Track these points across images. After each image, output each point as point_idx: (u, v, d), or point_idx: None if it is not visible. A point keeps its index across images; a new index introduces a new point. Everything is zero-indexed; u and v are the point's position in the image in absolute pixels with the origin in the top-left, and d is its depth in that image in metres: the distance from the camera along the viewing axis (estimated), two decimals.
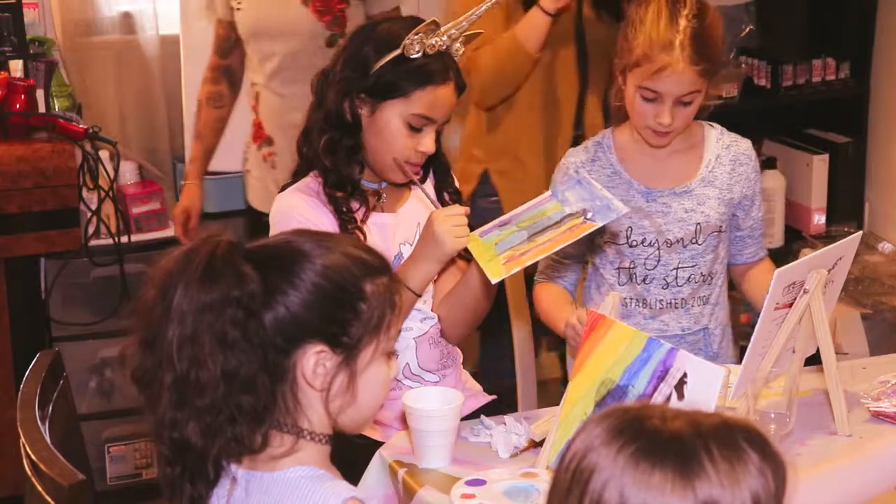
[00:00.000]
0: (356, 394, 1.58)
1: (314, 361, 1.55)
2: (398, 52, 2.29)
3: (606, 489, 1.18)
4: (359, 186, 2.38)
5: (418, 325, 2.45)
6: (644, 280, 2.50)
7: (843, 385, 2.19)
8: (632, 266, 2.51)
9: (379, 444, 2.21)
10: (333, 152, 2.35)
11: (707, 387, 1.80)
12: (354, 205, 2.37)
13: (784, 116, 4.23)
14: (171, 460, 1.56)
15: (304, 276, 1.55)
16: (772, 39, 4.08)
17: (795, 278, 2.11)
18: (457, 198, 2.48)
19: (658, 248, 2.49)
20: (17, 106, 3.46)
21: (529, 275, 2.63)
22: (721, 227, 2.51)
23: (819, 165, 4.09)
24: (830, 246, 2.21)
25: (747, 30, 4.06)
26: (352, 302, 1.56)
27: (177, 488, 1.57)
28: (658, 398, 1.84)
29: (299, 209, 2.34)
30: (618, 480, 1.18)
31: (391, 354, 1.63)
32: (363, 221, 2.37)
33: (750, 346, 2.10)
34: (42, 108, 3.57)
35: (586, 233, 2.20)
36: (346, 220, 2.34)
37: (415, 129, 2.32)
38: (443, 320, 2.47)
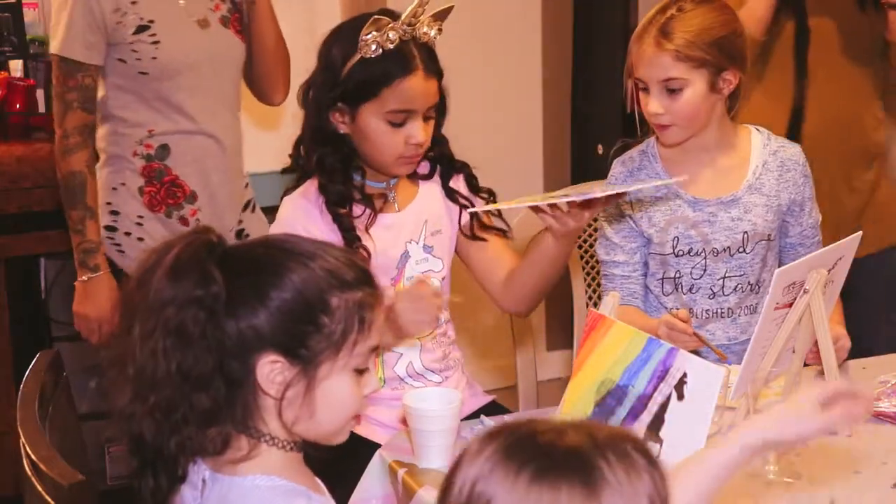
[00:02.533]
0: (313, 407, 1.55)
1: (268, 370, 1.53)
2: (359, 54, 2.29)
3: None
4: (360, 195, 2.38)
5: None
6: (690, 289, 2.50)
7: None
8: (677, 276, 2.50)
9: (378, 445, 2.21)
10: (325, 169, 2.35)
11: (707, 387, 1.80)
12: (358, 210, 2.37)
13: None
14: (132, 453, 1.57)
15: (272, 292, 1.53)
16: None
17: (795, 278, 2.11)
18: (469, 176, 2.50)
19: (705, 258, 2.48)
20: (17, 106, 3.47)
21: None
22: (770, 235, 2.50)
23: None
24: (830, 246, 2.20)
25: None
26: (313, 315, 1.54)
27: (140, 480, 1.58)
28: (658, 398, 1.84)
29: (300, 219, 2.35)
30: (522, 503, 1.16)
31: (362, 371, 1.59)
32: (369, 226, 2.37)
33: (750, 346, 2.10)
34: (42, 108, 3.58)
35: (553, 200, 2.20)
36: (350, 239, 2.34)
37: (397, 125, 2.32)
38: (514, 290, 2.45)
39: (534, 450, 1.18)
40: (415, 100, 2.32)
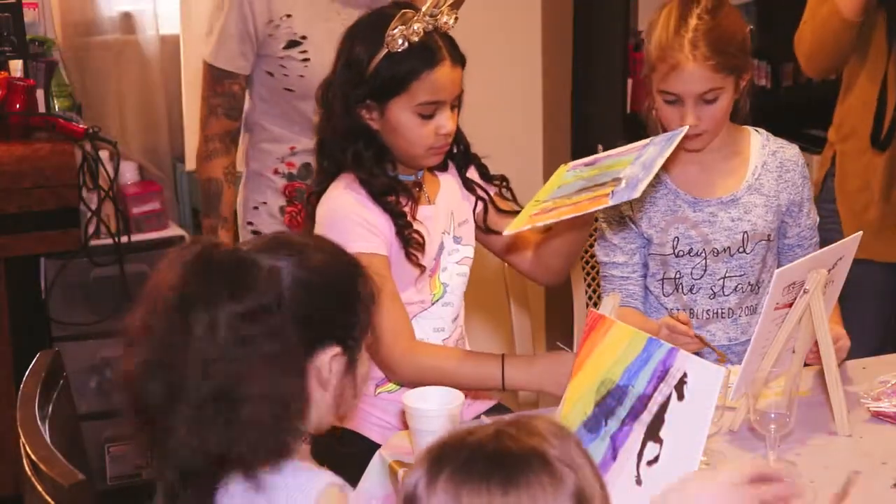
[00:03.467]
0: (356, 393, 1.61)
1: (330, 363, 1.57)
2: (385, 49, 2.27)
3: None
4: (401, 184, 2.37)
5: (450, 325, 2.45)
6: (691, 290, 2.50)
7: (842, 385, 2.19)
8: (677, 276, 2.50)
9: (378, 445, 2.21)
10: (362, 164, 2.34)
11: (707, 387, 1.80)
12: (402, 200, 2.36)
13: (784, 116, 4.22)
14: (177, 484, 1.54)
15: (321, 282, 1.58)
16: (772, 39, 4.08)
17: (795, 278, 2.11)
18: (479, 166, 2.49)
19: (705, 258, 2.48)
20: (17, 106, 3.46)
21: None
22: (769, 235, 2.50)
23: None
24: (830, 246, 2.21)
25: (747, 30, 4.06)
26: (354, 303, 1.60)
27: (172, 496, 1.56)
28: (658, 398, 1.84)
29: (355, 208, 2.31)
30: None
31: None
32: (414, 218, 2.36)
33: (750, 346, 2.10)
34: (42, 108, 3.58)
35: (589, 211, 2.13)
36: (404, 226, 2.32)
37: (427, 117, 2.31)
38: (544, 264, 2.46)
39: (490, 460, 1.21)
40: (443, 90, 2.31)
